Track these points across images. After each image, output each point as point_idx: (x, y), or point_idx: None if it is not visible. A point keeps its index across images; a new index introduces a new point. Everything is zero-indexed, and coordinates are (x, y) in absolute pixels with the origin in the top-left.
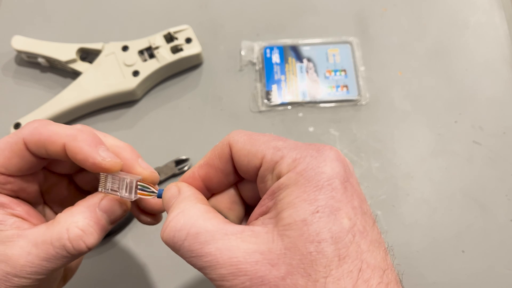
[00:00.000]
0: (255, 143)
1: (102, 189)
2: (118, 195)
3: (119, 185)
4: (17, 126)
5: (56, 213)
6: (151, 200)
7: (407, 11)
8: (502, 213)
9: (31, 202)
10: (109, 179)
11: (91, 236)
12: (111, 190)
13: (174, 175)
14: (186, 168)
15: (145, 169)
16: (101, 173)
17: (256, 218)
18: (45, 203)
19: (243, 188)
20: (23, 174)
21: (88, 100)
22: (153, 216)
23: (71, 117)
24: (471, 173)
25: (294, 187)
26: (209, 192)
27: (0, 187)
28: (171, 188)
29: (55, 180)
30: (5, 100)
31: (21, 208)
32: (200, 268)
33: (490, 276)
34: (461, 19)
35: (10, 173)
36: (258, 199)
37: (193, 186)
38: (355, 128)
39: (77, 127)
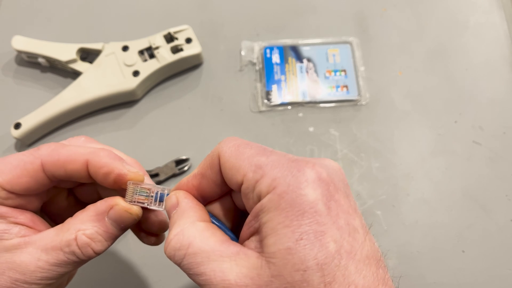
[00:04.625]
0: (239, 157)
1: (128, 201)
2: (146, 206)
3: (148, 196)
4: (17, 126)
5: (53, 221)
6: (155, 221)
7: (407, 11)
8: (502, 213)
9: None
10: (137, 190)
11: (99, 243)
12: (138, 202)
13: (174, 175)
14: (186, 168)
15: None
16: (128, 185)
17: (248, 238)
18: (42, 211)
19: (236, 196)
20: (27, 193)
21: (88, 100)
22: (155, 236)
23: (71, 117)
24: (471, 173)
25: (275, 211)
26: (204, 200)
27: (1, 201)
28: (171, 198)
29: (55, 193)
30: (5, 100)
31: (24, 216)
32: (198, 284)
33: (490, 276)
34: (461, 19)
35: (14, 191)
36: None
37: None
38: (355, 128)
39: (81, 139)
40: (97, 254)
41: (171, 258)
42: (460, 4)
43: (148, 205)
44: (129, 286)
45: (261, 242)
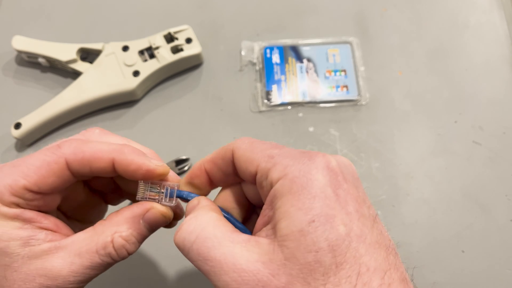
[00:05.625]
0: (253, 151)
1: (140, 198)
2: (157, 202)
3: (159, 192)
4: (17, 126)
5: (69, 217)
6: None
7: (407, 11)
8: (502, 213)
9: (48, 212)
10: (148, 186)
11: (133, 245)
12: (149, 198)
13: None
14: (186, 168)
15: (173, 176)
16: (140, 182)
17: (261, 229)
18: (58, 208)
19: (246, 188)
20: (54, 192)
21: (89, 100)
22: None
23: (71, 117)
24: (471, 173)
25: (288, 195)
26: (213, 184)
27: (26, 203)
28: (193, 200)
29: (73, 187)
30: (5, 100)
31: (48, 220)
32: (206, 273)
33: (490, 276)
34: (461, 19)
35: (42, 191)
36: (260, 199)
37: (200, 176)
38: (355, 128)
39: (94, 130)
40: (129, 255)
41: (180, 243)
42: (460, 4)
43: (159, 201)
44: (129, 286)
45: (273, 228)
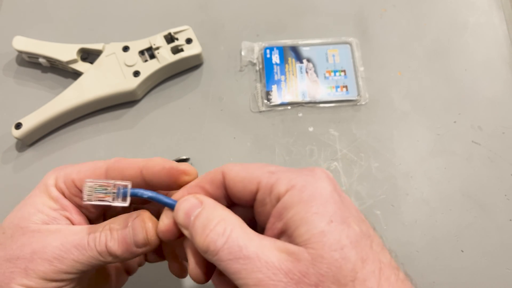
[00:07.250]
0: (248, 170)
1: (86, 199)
2: (108, 204)
3: (108, 192)
4: (18, 126)
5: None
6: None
7: (406, 11)
8: (501, 213)
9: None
10: (95, 188)
11: (114, 242)
12: (98, 199)
13: None
14: None
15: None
16: (86, 183)
17: None
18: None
19: (236, 211)
20: None
21: (89, 100)
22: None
23: (72, 117)
24: (470, 173)
25: (299, 204)
26: None
27: (69, 195)
28: (189, 199)
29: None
30: (6, 100)
31: (79, 218)
32: (234, 272)
33: (489, 276)
34: (461, 19)
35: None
36: (249, 223)
37: None
38: (355, 128)
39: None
40: (109, 253)
41: (211, 244)
42: (460, 4)
43: (110, 202)
44: (129, 286)
45: (290, 237)
